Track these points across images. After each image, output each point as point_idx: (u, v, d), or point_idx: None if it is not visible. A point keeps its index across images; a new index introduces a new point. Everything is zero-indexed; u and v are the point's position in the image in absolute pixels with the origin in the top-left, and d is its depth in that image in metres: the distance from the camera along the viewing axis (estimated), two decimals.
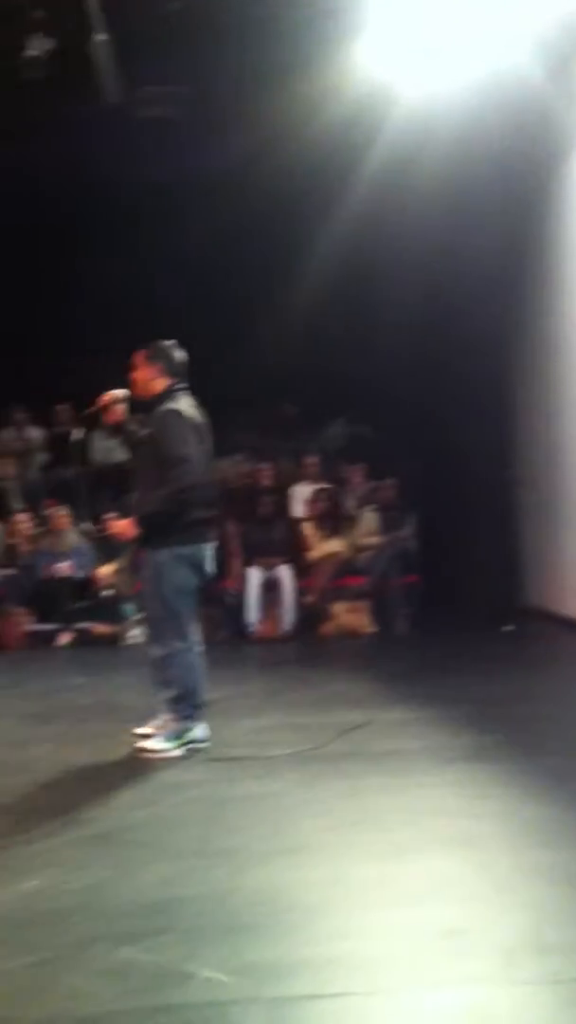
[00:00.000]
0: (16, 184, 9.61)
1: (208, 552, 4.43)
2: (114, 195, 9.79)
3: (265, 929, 2.52)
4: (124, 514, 4.63)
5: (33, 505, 9.65)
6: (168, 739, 4.36)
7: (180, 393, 4.48)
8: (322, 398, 10.54)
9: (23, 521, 9.10)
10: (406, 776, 3.94)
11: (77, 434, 9.14)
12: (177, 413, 4.36)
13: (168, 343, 4.56)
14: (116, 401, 4.51)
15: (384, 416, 10.46)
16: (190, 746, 4.34)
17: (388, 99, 7.58)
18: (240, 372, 9.95)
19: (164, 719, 4.40)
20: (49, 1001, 2.16)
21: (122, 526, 4.54)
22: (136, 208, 9.94)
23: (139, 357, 4.53)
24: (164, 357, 4.50)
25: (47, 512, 9.33)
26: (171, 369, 4.49)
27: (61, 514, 8.93)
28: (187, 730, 4.36)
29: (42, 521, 9.35)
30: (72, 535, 8.95)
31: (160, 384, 4.46)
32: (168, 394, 4.45)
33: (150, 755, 4.32)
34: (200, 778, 3.97)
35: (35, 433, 10.61)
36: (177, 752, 4.32)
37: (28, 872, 2.93)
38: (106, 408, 4.55)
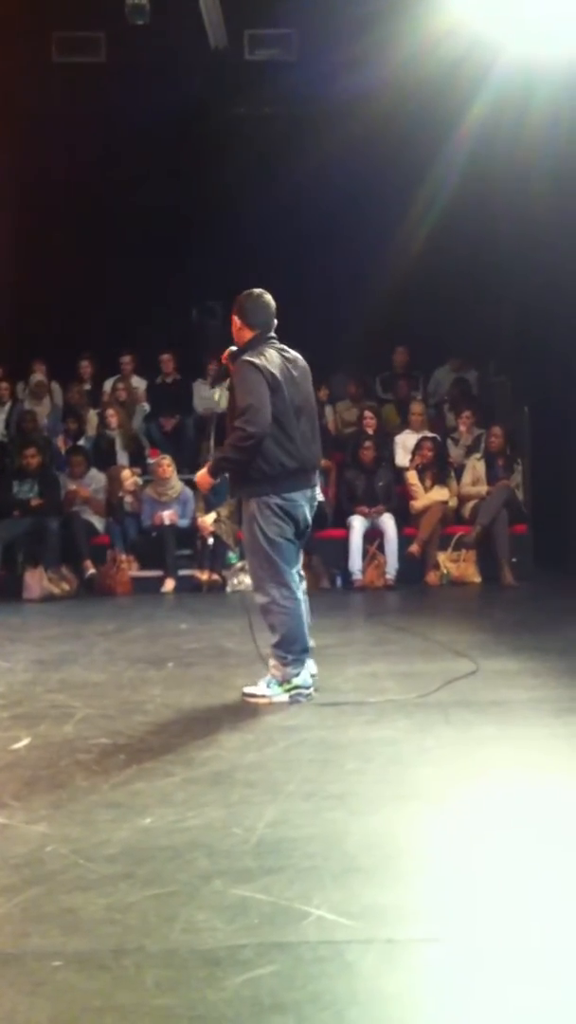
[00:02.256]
0: (125, 132, 9.67)
1: (301, 501, 4.41)
2: (222, 141, 9.78)
3: (378, 873, 2.52)
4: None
5: (137, 454, 9.80)
6: (272, 685, 4.40)
7: (265, 343, 4.44)
8: (429, 345, 10.39)
9: (128, 469, 9.26)
10: (515, 726, 3.90)
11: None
12: (249, 364, 4.33)
13: (254, 292, 4.50)
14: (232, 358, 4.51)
15: (492, 362, 10.27)
16: (294, 692, 4.38)
17: (491, 52, 7.40)
18: (349, 317, 9.87)
19: (271, 665, 4.43)
20: (169, 934, 2.21)
21: (199, 476, 4.59)
22: (245, 155, 9.91)
23: (232, 312, 4.52)
24: (247, 308, 4.48)
25: (151, 461, 9.48)
26: (254, 320, 4.46)
27: (165, 463, 9.03)
28: (292, 676, 4.38)
29: (146, 470, 9.50)
30: (176, 483, 9.05)
31: (246, 335, 4.46)
32: (250, 345, 4.42)
33: (255, 700, 4.38)
34: (309, 722, 4.00)
35: (138, 382, 10.73)
36: (283, 698, 4.37)
37: (144, 810, 2.99)
38: (227, 362, 4.59)
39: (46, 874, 2.55)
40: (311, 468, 4.49)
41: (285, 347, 4.53)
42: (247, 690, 4.46)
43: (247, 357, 4.36)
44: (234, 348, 4.50)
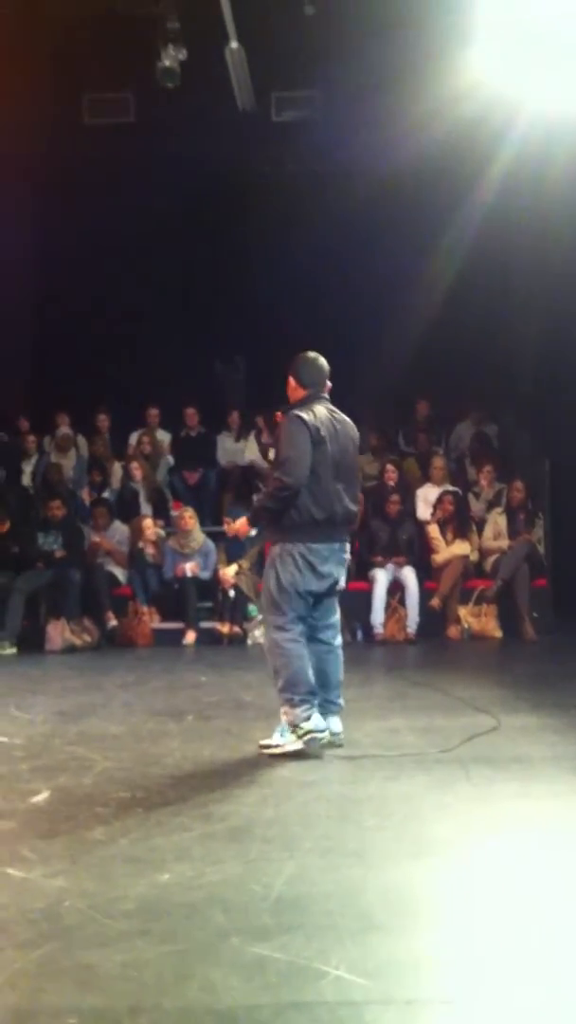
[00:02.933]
0: (152, 191, 9.88)
1: (326, 554, 4.49)
2: (247, 199, 9.99)
3: (397, 930, 2.50)
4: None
5: (160, 506, 9.88)
6: (285, 733, 4.40)
7: (315, 401, 4.62)
8: (450, 398, 10.46)
9: (149, 519, 9.32)
10: (536, 783, 3.87)
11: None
12: (296, 418, 4.51)
13: (309, 355, 4.73)
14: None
15: (512, 416, 10.32)
16: (308, 737, 4.32)
17: (512, 107, 7.54)
18: (370, 371, 9.97)
19: (281, 711, 4.44)
20: (186, 992, 2.20)
21: (238, 524, 4.76)
22: (269, 213, 10.10)
23: (288, 370, 4.75)
24: (300, 368, 4.69)
25: (174, 513, 9.55)
26: (307, 379, 4.67)
27: (188, 515, 9.10)
28: (303, 720, 4.34)
29: (169, 522, 9.57)
30: (198, 535, 9.11)
31: (299, 393, 4.66)
32: (301, 402, 4.61)
33: (271, 751, 4.37)
34: (328, 777, 3.99)
35: (163, 435, 10.85)
36: (297, 745, 4.33)
37: (162, 865, 2.99)
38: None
39: (63, 929, 2.54)
40: (340, 523, 4.57)
41: (335, 409, 4.71)
42: (263, 742, 4.48)
43: (295, 411, 4.55)
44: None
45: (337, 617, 4.71)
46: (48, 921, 2.59)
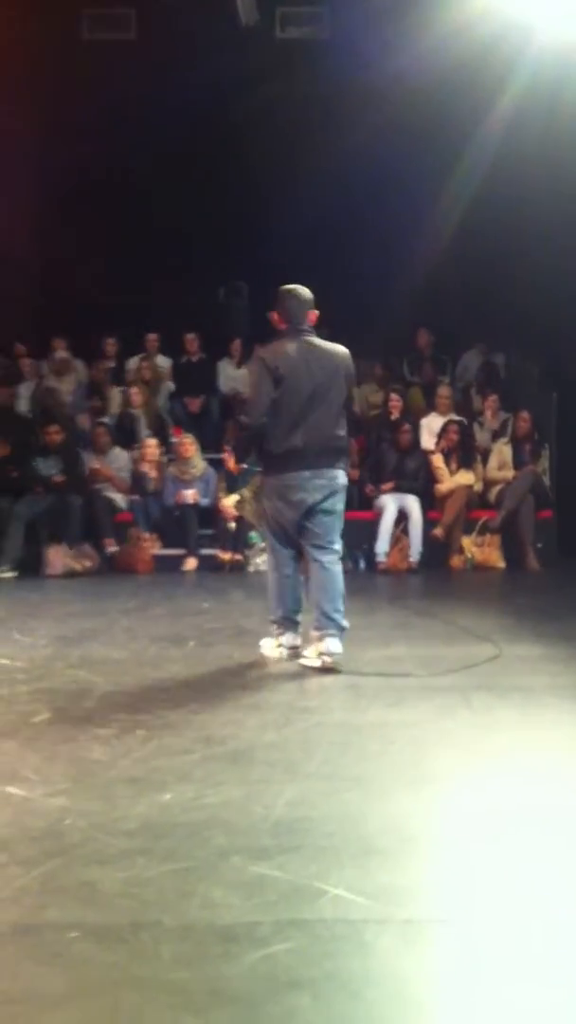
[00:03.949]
0: (153, 111, 9.63)
1: (296, 483, 4.65)
2: (252, 121, 9.73)
3: (397, 854, 2.51)
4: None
5: (161, 433, 9.82)
6: (269, 641, 4.86)
7: (291, 336, 4.73)
8: (457, 327, 10.32)
9: (151, 448, 9.26)
10: (536, 712, 3.88)
11: None
12: (256, 358, 4.75)
13: (287, 288, 4.79)
14: None
15: (520, 346, 10.19)
16: (282, 650, 4.81)
17: (524, 32, 7.31)
18: (377, 300, 9.82)
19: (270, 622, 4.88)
20: (186, 909, 2.21)
21: (225, 457, 5.09)
22: (275, 136, 9.86)
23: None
24: (279, 303, 4.79)
25: (174, 440, 9.49)
26: (287, 313, 4.77)
27: (188, 442, 9.04)
28: (279, 634, 4.82)
29: (169, 449, 9.51)
30: (199, 462, 9.06)
31: (281, 326, 4.78)
32: (285, 335, 4.73)
33: (261, 651, 4.86)
34: (329, 704, 4.00)
35: (163, 361, 10.73)
36: (275, 654, 4.81)
37: (163, 786, 2.99)
38: None
39: (65, 847, 2.55)
40: (314, 452, 4.67)
41: (314, 339, 4.77)
42: (261, 642, 4.94)
43: (259, 352, 4.78)
44: None
45: (331, 540, 4.74)
46: (50, 839, 2.60)
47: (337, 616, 4.65)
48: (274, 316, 4.82)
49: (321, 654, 4.58)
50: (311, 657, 4.65)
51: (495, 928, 2.13)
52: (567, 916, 2.18)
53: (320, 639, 4.61)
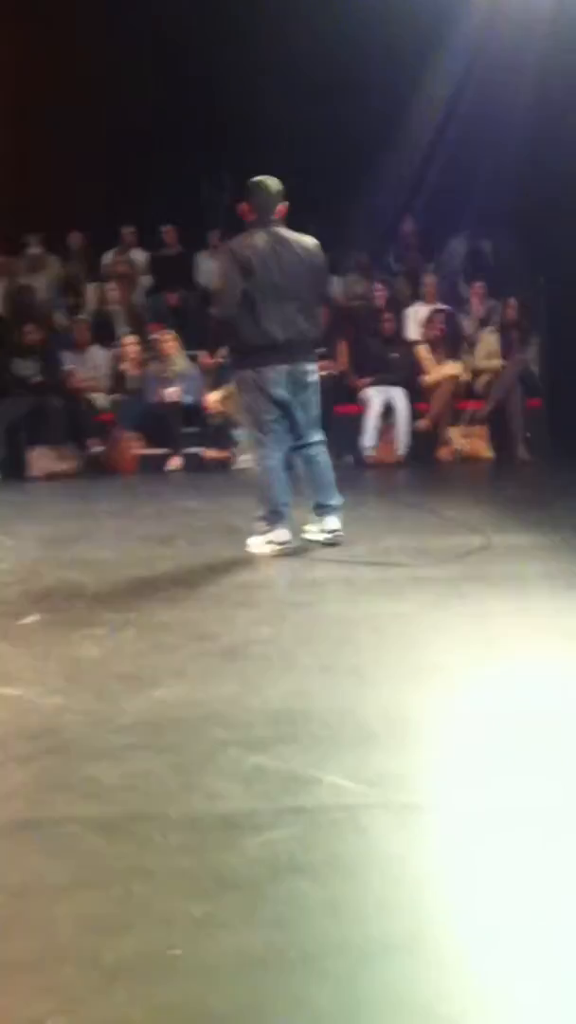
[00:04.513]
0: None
1: (272, 375, 4.71)
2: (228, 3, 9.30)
3: (392, 741, 2.54)
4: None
5: (139, 330, 9.59)
6: (256, 538, 4.85)
7: (260, 227, 4.72)
8: (442, 214, 10.05)
9: (131, 345, 9.07)
10: (528, 600, 3.90)
11: None
12: (228, 249, 4.77)
13: (257, 180, 4.77)
14: None
15: (505, 231, 9.94)
16: (272, 546, 4.80)
17: None
18: (360, 187, 9.55)
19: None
20: (189, 799, 2.24)
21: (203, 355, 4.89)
22: (253, 18, 9.44)
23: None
24: (250, 193, 4.78)
25: (153, 337, 9.29)
26: (257, 203, 4.75)
27: (168, 339, 8.86)
28: (268, 531, 4.81)
29: (149, 346, 9.32)
30: (180, 360, 8.90)
31: (250, 217, 4.77)
32: (254, 225, 4.73)
33: (250, 551, 4.81)
34: (323, 598, 4.01)
35: (140, 255, 10.44)
36: (265, 550, 4.80)
37: (157, 682, 3.01)
38: None
39: (62, 743, 2.57)
40: (289, 346, 4.72)
41: (284, 230, 4.75)
42: (249, 540, 4.88)
43: (230, 243, 4.78)
44: None
45: (313, 430, 4.93)
46: (47, 736, 2.61)
47: (333, 501, 4.96)
48: (243, 208, 4.79)
49: (323, 530, 4.91)
50: (314, 532, 4.96)
51: (488, 811, 2.17)
52: (557, 797, 2.22)
53: (321, 518, 4.95)
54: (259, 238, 4.69)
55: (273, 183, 4.77)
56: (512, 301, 8.83)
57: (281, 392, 4.74)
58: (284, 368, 4.73)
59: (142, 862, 1.98)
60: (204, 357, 5.04)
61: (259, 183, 4.77)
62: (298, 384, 4.78)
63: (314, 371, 4.90)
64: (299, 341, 4.76)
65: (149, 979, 1.62)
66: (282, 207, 4.79)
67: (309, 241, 4.81)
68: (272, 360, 4.71)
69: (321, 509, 4.96)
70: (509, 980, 1.59)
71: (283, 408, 4.78)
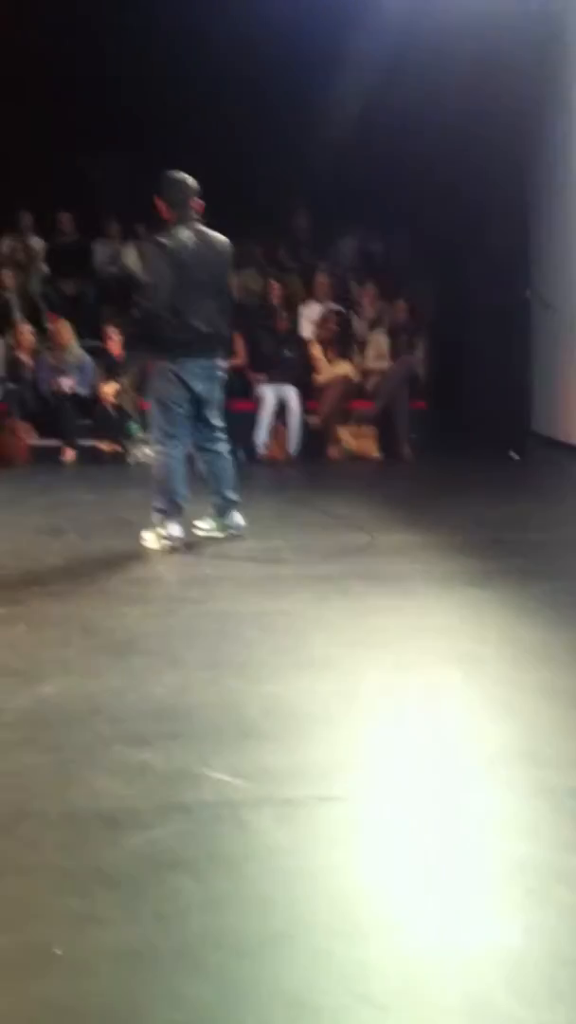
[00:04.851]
0: None
1: (195, 369, 4.83)
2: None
3: (275, 736, 2.60)
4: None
5: (35, 318, 9.46)
6: (149, 533, 4.87)
7: (182, 223, 4.80)
8: (334, 212, 10.14)
9: (26, 334, 8.94)
10: (409, 598, 4.01)
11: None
12: (155, 242, 4.82)
13: (174, 175, 4.85)
14: None
15: (397, 233, 10.11)
16: (164, 542, 4.82)
17: None
18: (253, 183, 9.54)
19: (152, 511, 4.91)
20: (71, 796, 2.26)
21: (113, 343, 4.89)
22: (154, 10, 9.30)
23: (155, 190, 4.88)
24: (165, 190, 4.85)
25: (49, 325, 9.17)
26: (172, 200, 4.83)
27: (63, 328, 8.76)
28: (159, 526, 4.84)
29: (45, 335, 9.20)
30: (75, 350, 8.81)
31: (167, 216, 4.84)
32: (175, 222, 4.79)
33: (144, 544, 4.84)
34: (211, 594, 4.05)
35: (37, 242, 10.27)
36: (155, 545, 4.83)
37: (43, 677, 3.01)
38: None
39: None
40: (210, 340, 4.89)
41: (204, 228, 4.87)
42: (144, 533, 4.89)
43: (157, 236, 4.80)
44: None
45: (220, 425, 5.07)
46: None
47: (235, 496, 5.10)
48: (160, 203, 4.84)
49: (227, 526, 5.05)
50: (207, 527, 5.07)
51: (368, 805, 2.26)
52: (433, 791, 2.32)
53: (223, 515, 5.07)
54: (184, 234, 4.78)
55: (191, 180, 4.87)
56: (401, 303, 9.02)
57: (199, 385, 4.86)
58: (204, 362, 4.86)
59: (19, 860, 1.99)
60: (114, 343, 5.07)
61: (178, 179, 4.85)
62: (212, 379, 4.92)
63: (223, 367, 5.05)
64: (217, 337, 4.93)
65: (26, 974, 1.64)
66: (199, 203, 4.88)
67: (222, 238, 4.95)
68: (194, 354, 4.83)
69: (224, 505, 5.06)
70: (383, 972, 1.65)
71: (196, 402, 4.88)
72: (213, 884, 1.91)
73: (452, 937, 1.74)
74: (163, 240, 4.78)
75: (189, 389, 4.85)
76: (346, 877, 1.95)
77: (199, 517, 5.17)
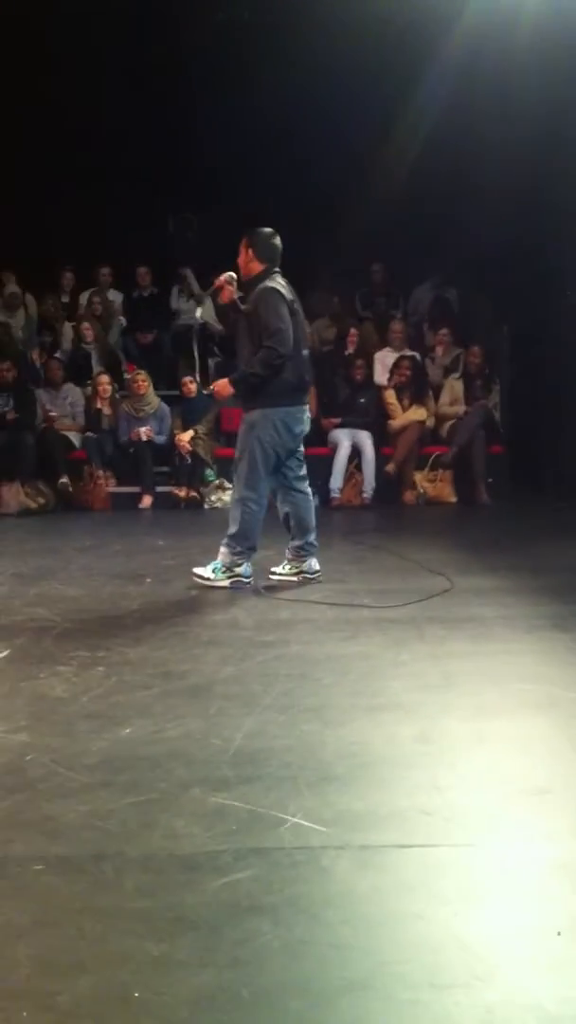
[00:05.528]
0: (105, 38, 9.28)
1: (299, 415, 5.00)
2: (198, 48, 9.45)
3: (354, 781, 2.58)
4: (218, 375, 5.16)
5: (114, 369, 9.69)
6: (217, 570, 5.00)
7: (276, 274, 4.98)
8: (409, 261, 10.23)
9: (105, 384, 9.15)
10: (488, 642, 3.97)
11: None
12: (274, 290, 4.89)
13: (267, 230, 5.04)
14: (229, 282, 5.05)
15: (472, 280, 10.14)
16: (235, 580, 4.98)
17: None
18: (326, 233, 9.69)
19: (221, 552, 5.02)
20: (150, 840, 2.26)
21: (220, 385, 5.10)
22: (221, 64, 9.59)
23: (242, 243, 5.03)
24: (260, 243, 5.00)
25: (128, 376, 9.38)
26: (266, 254, 5.00)
27: (141, 378, 8.95)
28: (235, 566, 4.99)
29: (123, 385, 9.41)
30: (153, 399, 8.98)
31: (256, 267, 4.99)
32: (265, 274, 4.95)
33: (201, 581, 4.99)
34: (286, 638, 4.05)
35: (115, 296, 10.55)
36: (224, 583, 4.96)
37: (124, 720, 3.04)
38: (221, 288, 5.09)
39: (27, 782, 2.59)
40: (307, 387, 5.16)
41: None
42: (196, 570, 5.07)
43: (272, 285, 4.91)
44: (231, 274, 5.07)
45: (305, 469, 5.20)
46: (12, 775, 2.63)
47: (316, 541, 5.22)
48: (250, 253, 4.99)
49: (303, 572, 5.13)
50: (287, 573, 5.14)
51: (448, 852, 2.22)
52: (517, 837, 2.27)
53: (303, 559, 5.15)
54: (286, 284, 4.97)
55: (279, 238, 5.05)
56: (475, 349, 9.01)
57: (301, 429, 5.03)
58: (304, 408, 5.06)
59: (98, 902, 2.00)
60: (224, 387, 5.14)
61: (273, 234, 5.03)
62: (307, 423, 5.11)
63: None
64: (309, 384, 5.24)
65: (105, 1020, 1.64)
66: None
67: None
68: (301, 400, 5.05)
69: (307, 549, 5.16)
70: (466, 1022, 1.62)
71: (290, 449, 5.02)
72: (292, 930, 1.89)
73: (537, 991, 1.70)
74: (279, 288, 4.90)
75: (293, 435, 4.98)
76: (426, 925, 1.92)
77: (275, 562, 5.20)
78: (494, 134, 9.05)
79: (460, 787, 2.55)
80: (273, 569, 5.19)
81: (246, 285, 5.05)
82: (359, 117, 9.50)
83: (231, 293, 5.07)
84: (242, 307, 4.98)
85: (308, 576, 5.14)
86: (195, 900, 1.99)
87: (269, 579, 5.13)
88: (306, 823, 2.33)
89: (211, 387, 5.15)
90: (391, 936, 1.89)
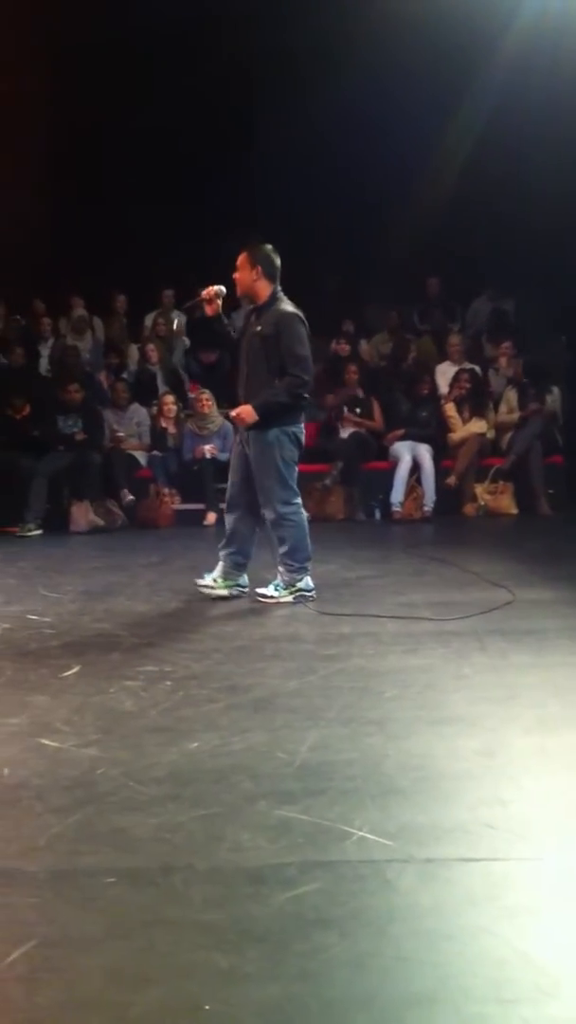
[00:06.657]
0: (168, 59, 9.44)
1: (302, 432, 5.10)
2: (245, 70, 9.59)
3: (418, 794, 2.60)
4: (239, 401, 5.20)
5: (178, 388, 9.83)
6: (279, 588, 5.04)
7: (281, 293, 4.96)
8: (467, 274, 10.23)
9: (169, 403, 9.30)
10: (550, 654, 3.95)
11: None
12: (296, 316, 4.91)
13: (267, 246, 4.96)
14: (218, 296, 5.01)
15: (529, 291, 10.09)
16: (298, 595, 5.01)
17: None
18: (382, 248, 9.72)
19: (280, 571, 5.06)
20: (216, 852, 2.30)
21: (245, 412, 5.04)
22: (269, 82, 9.72)
23: (241, 258, 4.96)
24: (265, 261, 4.93)
25: (191, 395, 9.51)
26: (272, 272, 4.95)
27: (204, 397, 9.06)
28: (297, 581, 5.02)
29: (187, 404, 9.54)
30: (216, 417, 9.09)
31: (264, 286, 4.94)
32: (276, 295, 4.94)
33: (266, 600, 5.00)
34: (348, 651, 4.07)
35: (179, 317, 10.70)
36: (288, 599, 4.99)
37: (191, 734, 3.09)
38: (208, 301, 5.04)
39: (97, 795, 2.65)
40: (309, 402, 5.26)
41: None
42: (259, 591, 5.08)
43: (293, 310, 4.92)
44: (220, 288, 5.03)
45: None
46: (82, 788, 2.69)
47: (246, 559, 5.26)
48: (258, 270, 4.92)
49: (301, 591, 5.06)
50: (279, 596, 5.05)
51: (513, 866, 2.22)
52: None
53: (240, 574, 5.21)
54: (295, 306, 4.99)
55: (276, 254, 4.98)
56: (519, 360, 9.01)
57: (303, 443, 5.15)
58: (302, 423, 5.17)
59: (168, 914, 2.04)
60: (248, 414, 5.16)
61: (272, 250, 4.97)
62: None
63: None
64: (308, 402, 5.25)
65: None
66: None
67: None
68: (302, 418, 5.15)
69: (240, 563, 5.22)
70: None
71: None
72: (358, 943, 1.91)
73: None
74: (299, 313, 4.95)
75: (301, 448, 5.11)
76: (491, 939, 1.92)
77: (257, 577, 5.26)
78: (545, 144, 9.01)
79: (524, 800, 2.55)
80: (258, 590, 5.12)
81: (262, 307, 4.98)
82: (412, 133, 9.53)
83: (218, 308, 5.07)
84: (257, 329, 4.97)
85: (305, 593, 5.06)
86: (262, 912, 2.03)
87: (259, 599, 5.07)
88: (371, 836, 2.35)
89: (233, 412, 5.16)
90: (456, 950, 1.90)
